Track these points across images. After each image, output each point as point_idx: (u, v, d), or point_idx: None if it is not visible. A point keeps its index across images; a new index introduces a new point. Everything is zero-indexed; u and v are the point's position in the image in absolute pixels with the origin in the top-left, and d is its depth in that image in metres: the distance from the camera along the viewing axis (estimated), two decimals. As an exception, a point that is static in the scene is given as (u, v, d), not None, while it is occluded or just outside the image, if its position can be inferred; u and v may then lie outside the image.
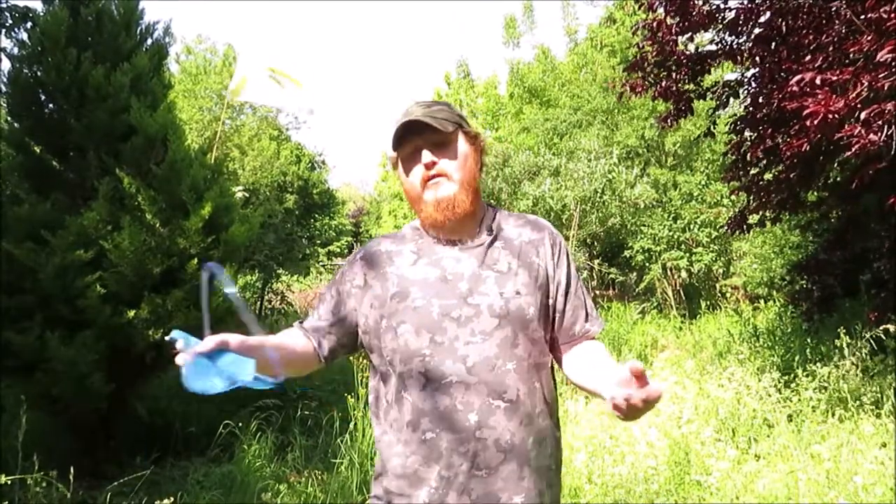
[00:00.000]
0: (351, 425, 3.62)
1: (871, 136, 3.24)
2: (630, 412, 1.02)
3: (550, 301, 1.33)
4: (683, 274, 10.82)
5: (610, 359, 1.31)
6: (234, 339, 1.08)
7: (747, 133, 5.12)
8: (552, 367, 1.37)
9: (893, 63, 3.22)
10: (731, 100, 5.43)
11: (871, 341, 4.11)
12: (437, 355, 1.22)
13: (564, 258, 1.36)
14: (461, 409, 1.21)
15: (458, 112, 1.35)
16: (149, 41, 4.34)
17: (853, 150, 3.30)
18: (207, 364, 1.05)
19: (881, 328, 4.03)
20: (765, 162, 5.08)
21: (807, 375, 4.03)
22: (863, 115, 3.25)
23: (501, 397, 1.21)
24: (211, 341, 1.05)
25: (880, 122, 3.26)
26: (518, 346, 1.24)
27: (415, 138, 1.28)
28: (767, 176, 5.28)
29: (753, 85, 5.07)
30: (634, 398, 0.99)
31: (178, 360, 1.03)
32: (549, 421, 1.30)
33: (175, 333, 1.04)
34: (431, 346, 1.23)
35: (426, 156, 1.27)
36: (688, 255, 10.82)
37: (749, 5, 4.70)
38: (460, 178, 1.29)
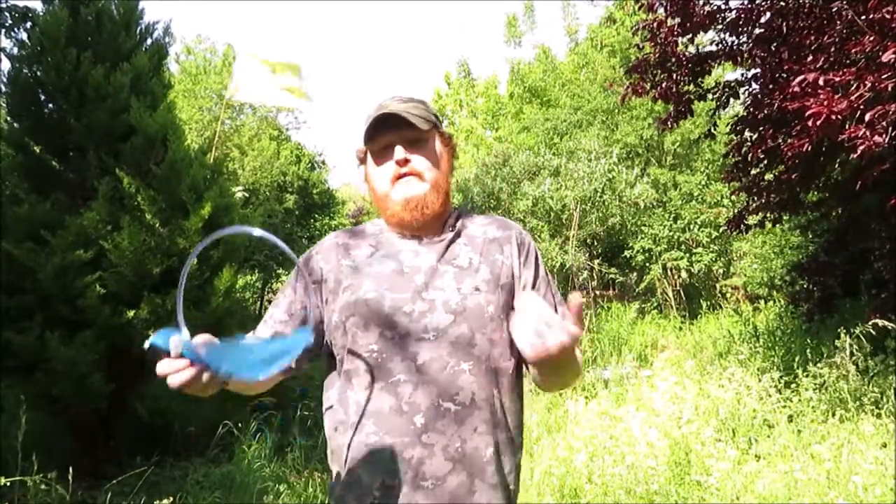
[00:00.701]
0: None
1: (876, 137, 3.22)
2: (545, 356, 0.97)
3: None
4: (683, 274, 10.82)
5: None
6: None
7: (748, 133, 5.11)
8: (518, 375, 1.23)
9: (896, 64, 3.20)
10: (732, 100, 5.42)
11: (863, 337, 4.09)
12: (385, 351, 1.13)
13: (533, 259, 1.27)
14: (407, 411, 1.10)
15: (434, 111, 1.29)
16: (148, 41, 4.35)
17: (858, 151, 3.28)
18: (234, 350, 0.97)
19: (870, 323, 3.98)
20: (765, 162, 5.07)
21: (807, 376, 4.02)
22: (867, 117, 3.23)
23: (453, 399, 1.11)
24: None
25: (884, 124, 3.25)
26: (475, 345, 1.14)
27: (389, 133, 1.21)
28: (768, 176, 5.27)
29: (754, 85, 5.06)
30: (551, 340, 0.96)
31: (171, 368, 0.91)
32: (509, 433, 1.18)
33: (154, 338, 0.91)
34: (380, 342, 1.13)
35: (399, 152, 1.20)
36: (688, 255, 10.82)
37: (749, 6, 4.69)
38: (432, 178, 1.23)
